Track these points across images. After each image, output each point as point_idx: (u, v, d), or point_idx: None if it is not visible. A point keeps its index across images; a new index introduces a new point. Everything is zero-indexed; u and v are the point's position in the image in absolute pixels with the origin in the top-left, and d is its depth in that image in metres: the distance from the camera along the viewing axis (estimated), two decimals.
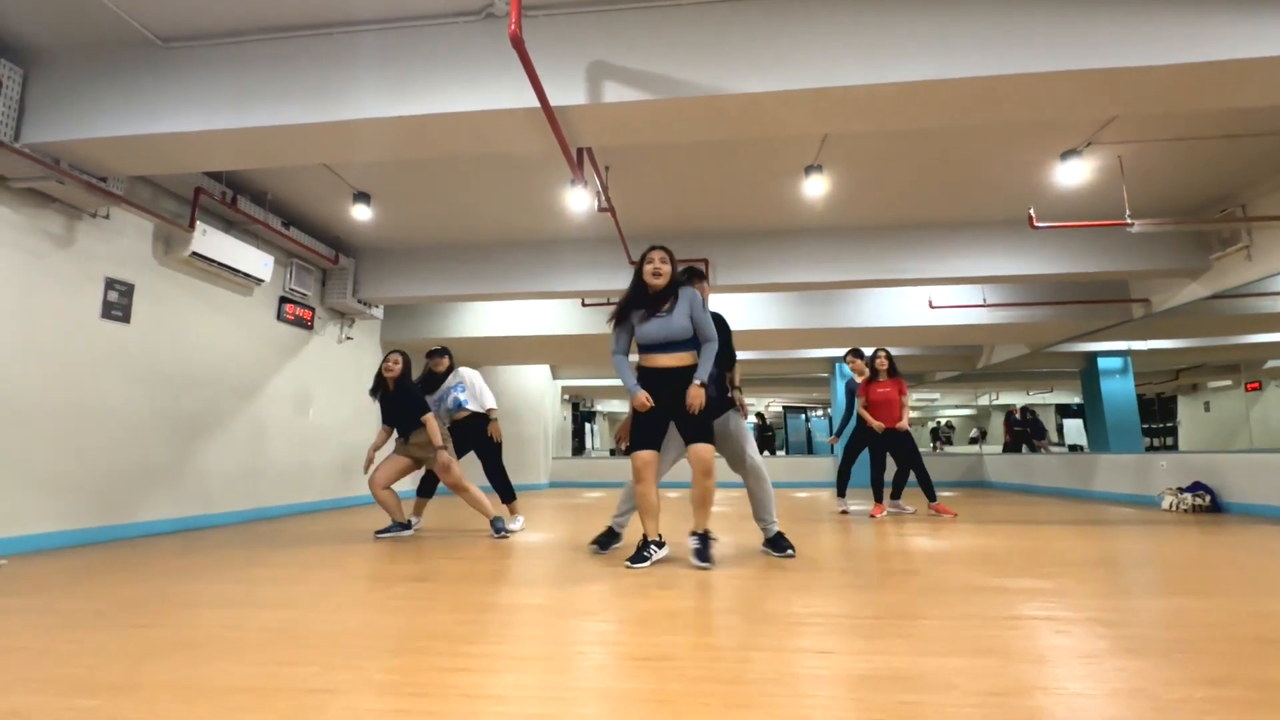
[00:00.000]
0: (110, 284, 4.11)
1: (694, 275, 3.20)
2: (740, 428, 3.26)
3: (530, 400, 10.13)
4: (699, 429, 2.79)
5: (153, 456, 4.37)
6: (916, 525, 4.37)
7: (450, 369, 4.34)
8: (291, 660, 1.55)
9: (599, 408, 16.92)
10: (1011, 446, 11.18)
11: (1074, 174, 4.53)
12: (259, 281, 5.22)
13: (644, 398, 2.83)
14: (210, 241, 4.65)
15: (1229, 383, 8.09)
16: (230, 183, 4.92)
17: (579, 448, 15.18)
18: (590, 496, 8.02)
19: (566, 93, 2.97)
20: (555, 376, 11.69)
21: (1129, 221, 4.65)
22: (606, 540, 3.27)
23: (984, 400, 12.85)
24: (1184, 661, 1.46)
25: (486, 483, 4.53)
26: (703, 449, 2.77)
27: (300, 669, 1.48)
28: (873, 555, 3.09)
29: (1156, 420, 9.05)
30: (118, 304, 4.15)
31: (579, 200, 4.58)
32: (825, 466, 10.37)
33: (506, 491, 4.36)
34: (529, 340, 7.69)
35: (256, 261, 5.10)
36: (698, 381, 2.77)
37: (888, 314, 7.19)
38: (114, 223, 4.16)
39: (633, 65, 2.96)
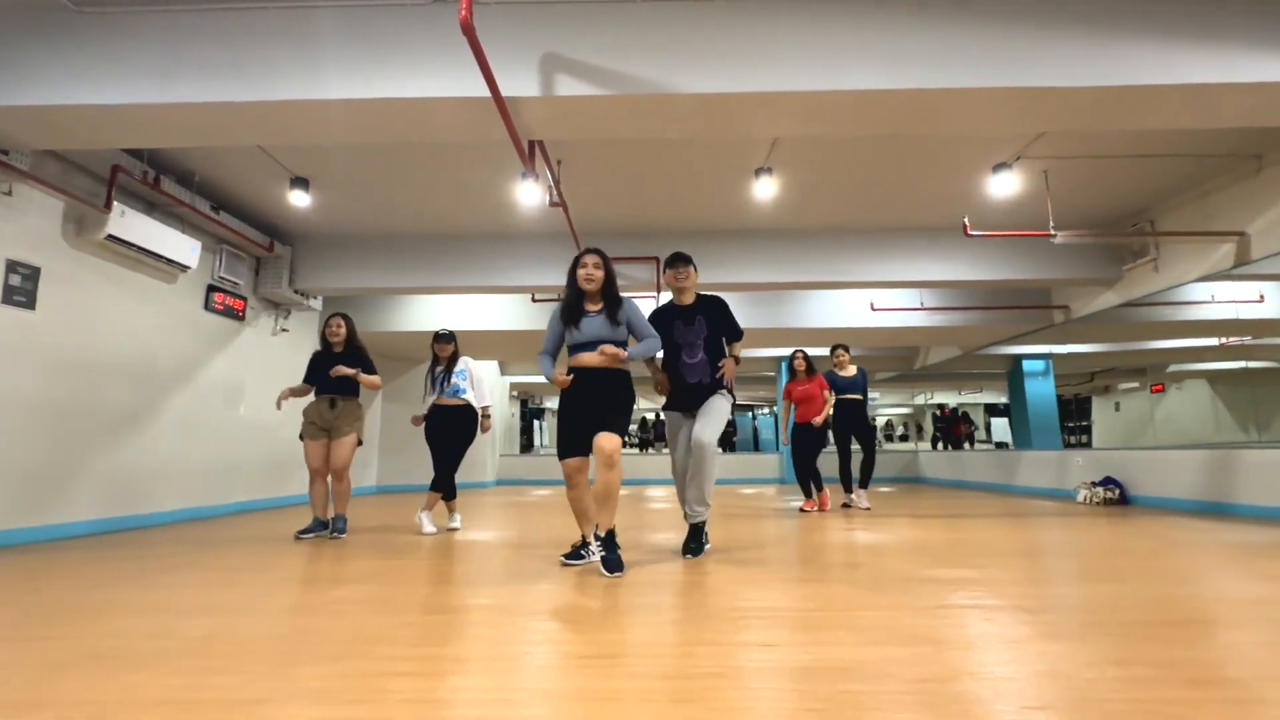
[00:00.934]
0: (12, 266, 3.77)
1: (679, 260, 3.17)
2: (717, 408, 3.04)
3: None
4: (614, 418, 2.69)
5: (66, 453, 4.05)
6: (857, 520, 4.53)
7: (455, 355, 4.37)
8: (218, 669, 1.46)
9: (548, 405, 16.75)
10: (940, 440, 11.77)
11: (1004, 186, 4.79)
12: (184, 268, 4.91)
13: (564, 377, 2.76)
14: (129, 224, 4.33)
15: (1137, 385, 8.76)
16: (153, 162, 4.60)
17: (527, 445, 14.99)
18: (538, 495, 7.94)
19: (518, 83, 2.92)
20: (504, 373, 11.50)
21: (1052, 233, 4.95)
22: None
23: (920, 399, 13.46)
24: (1096, 644, 1.57)
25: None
26: (607, 438, 2.63)
27: (227, 678, 1.40)
28: (814, 549, 3.18)
29: (1073, 419, 9.70)
30: (20, 288, 3.82)
31: (530, 194, 4.51)
32: (772, 463, 10.61)
33: (451, 489, 4.30)
34: (477, 335, 7.53)
35: (181, 247, 4.79)
36: (623, 354, 2.72)
37: (832, 315, 7.42)
38: (17, 200, 3.82)
39: (586, 59, 2.93)
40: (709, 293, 3.25)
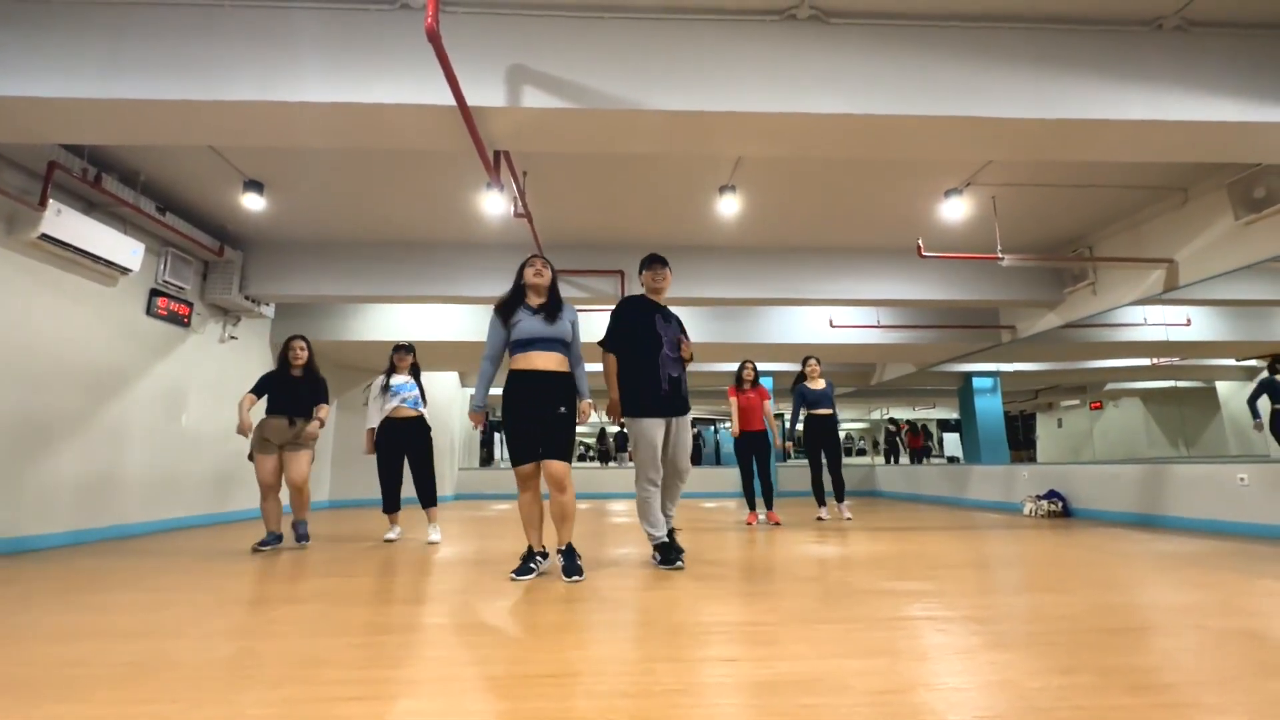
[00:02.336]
0: None
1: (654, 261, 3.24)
2: (689, 427, 3.24)
3: (437, 409, 9.67)
4: (559, 445, 2.78)
5: None
6: (815, 533, 4.59)
7: (414, 367, 4.50)
8: (149, 698, 1.37)
9: None
10: (889, 452, 12.11)
11: (956, 210, 5.00)
12: (125, 271, 4.67)
13: (481, 417, 2.92)
14: (66, 223, 4.11)
15: (1077, 402, 9.20)
16: (94, 159, 4.38)
17: (487, 458, 14.72)
18: (498, 509, 7.79)
19: (484, 93, 2.90)
20: (464, 384, 11.30)
21: (1000, 256, 5.18)
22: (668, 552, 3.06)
23: (876, 414, 13.81)
24: (1042, 653, 1.62)
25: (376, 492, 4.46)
26: (556, 465, 2.74)
27: (159, 707, 1.32)
28: (774, 562, 3.21)
29: (1019, 434, 10.10)
30: None
31: (495, 204, 4.48)
32: (732, 477, 10.68)
33: (430, 498, 4.40)
34: (437, 346, 7.39)
35: (123, 249, 4.56)
36: (586, 400, 2.92)
37: (793, 331, 7.56)
38: None
39: (553, 72, 2.94)
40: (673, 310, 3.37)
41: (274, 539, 3.84)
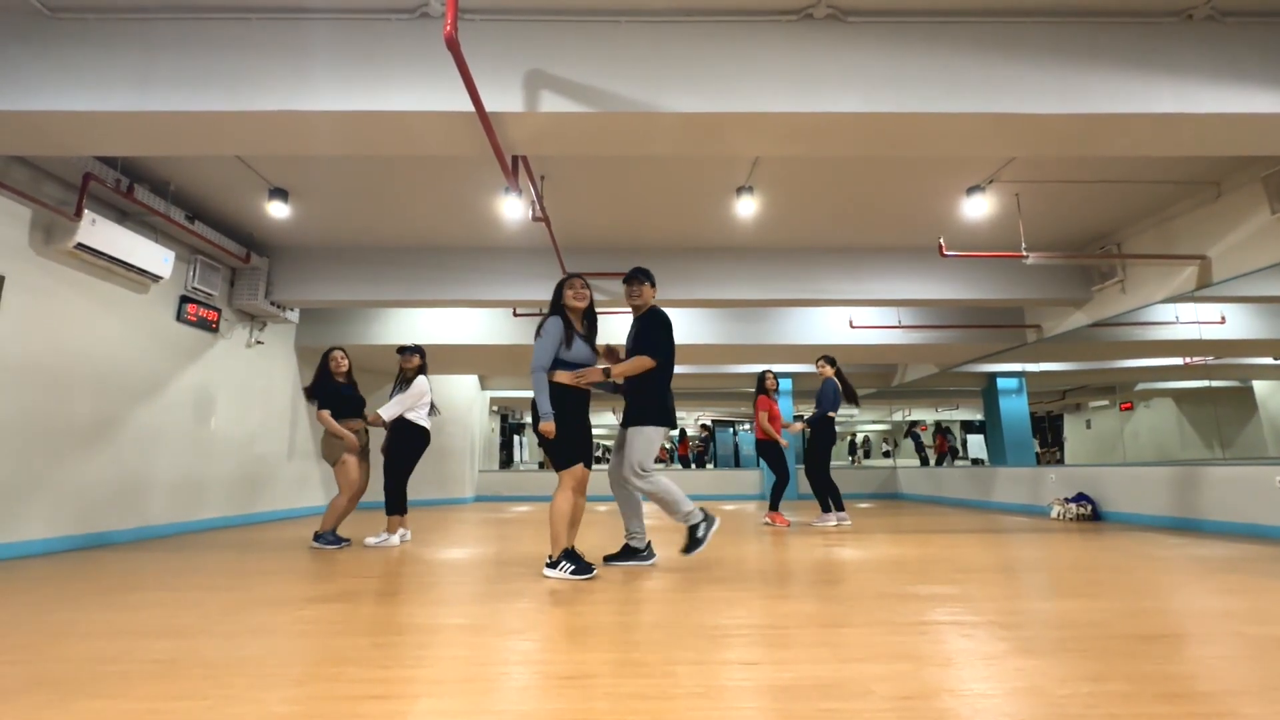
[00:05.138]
0: None
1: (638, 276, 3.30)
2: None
3: (457, 411, 9.81)
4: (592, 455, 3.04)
5: (26, 467, 3.90)
6: (836, 536, 4.54)
7: (421, 369, 4.46)
8: (179, 694, 1.41)
9: (528, 420, 16.65)
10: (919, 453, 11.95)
11: (978, 208, 4.91)
12: (156, 278, 4.80)
13: (553, 426, 2.86)
14: (100, 233, 4.24)
15: (1106, 403, 8.97)
16: (126, 170, 4.51)
17: (507, 460, 14.83)
18: (517, 510, 7.84)
19: (502, 99, 2.93)
20: (484, 387, 11.40)
21: (1025, 254, 5.08)
22: (623, 556, 3.24)
23: (898, 416, 13.62)
24: (1071, 659, 1.58)
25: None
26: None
27: (189, 704, 1.35)
28: (795, 566, 3.18)
29: (1047, 436, 9.88)
30: None
31: (513, 208, 4.52)
32: (753, 480, 10.62)
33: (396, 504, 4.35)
34: (457, 349, 7.47)
35: (154, 256, 4.69)
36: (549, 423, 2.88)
37: (812, 332, 7.50)
38: None
39: (570, 76, 2.96)
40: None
41: (338, 540, 4.10)
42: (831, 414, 5.37)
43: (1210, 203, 4.98)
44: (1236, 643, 1.72)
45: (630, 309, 3.36)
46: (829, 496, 5.42)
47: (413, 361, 4.39)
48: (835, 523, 5.31)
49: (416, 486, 9.23)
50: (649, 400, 3.10)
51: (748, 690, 1.40)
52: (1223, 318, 5.40)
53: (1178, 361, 6.37)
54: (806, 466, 5.44)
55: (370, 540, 4.19)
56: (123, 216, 4.66)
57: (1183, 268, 5.22)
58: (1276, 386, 5.68)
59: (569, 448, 2.91)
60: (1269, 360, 5.81)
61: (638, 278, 3.31)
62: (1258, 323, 5.43)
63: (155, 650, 1.75)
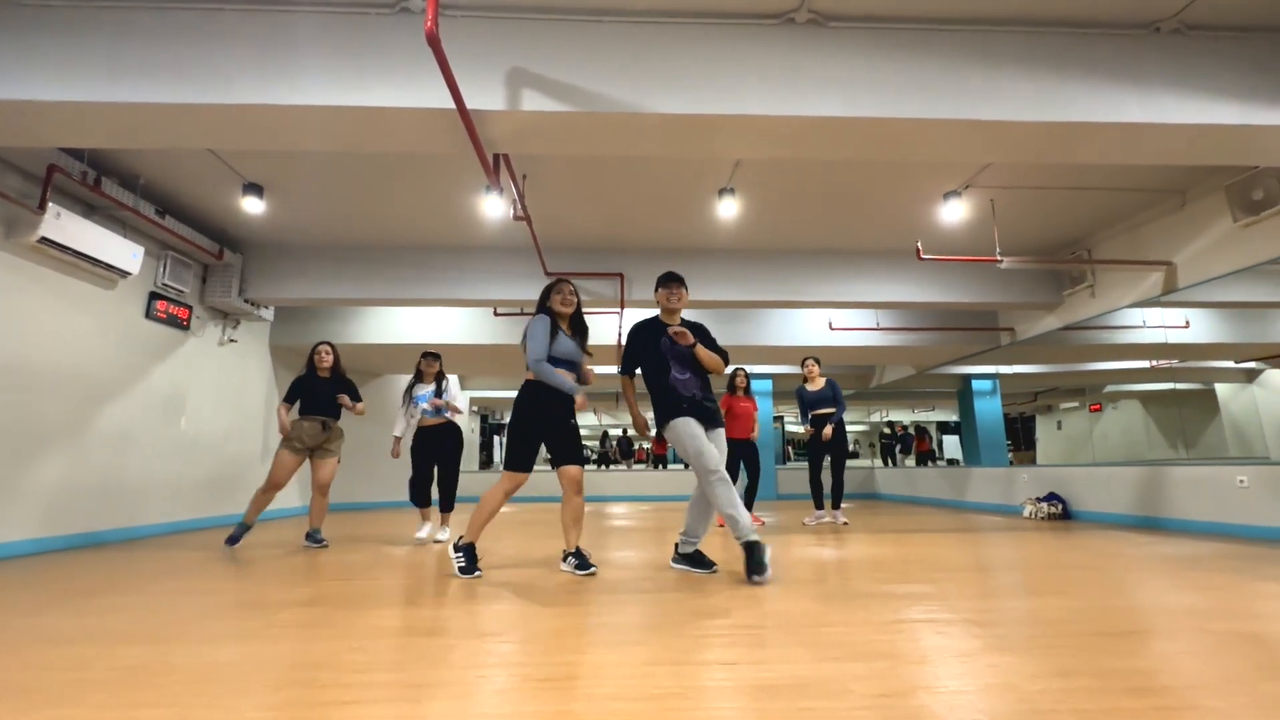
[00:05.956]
0: None
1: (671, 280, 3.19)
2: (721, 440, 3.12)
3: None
4: (578, 451, 3.03)
5: None
6: (815, 536, 4.59)
7: (440, 374, 4.60)
8: (148, 702, 1.37)
9: (508, 420, 16.56)
10: (885, 453, 12.13)
11: (954, 213, 5.00)
12: (125, 274, 4.67)
13: (585, 400, 3.07)
14: (65, 227, 4.11)
15: (1076, 404, 9.20)
16: (94, 162, 4.39)
17: (487, 461, 14.73)
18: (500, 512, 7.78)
19: (483, 96, 2.91)
20: (464, 387, 11.30)
21: (999, 258, 5.18)
22: (692, 560, 3.09)
23: (875, 417, 13.81)
24: (1042, 656, 1.62)
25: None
26: (577, 469, 2.97)
27: (158, 712, 1.32)
28: (775, 566, 3.20)
29: (1020, 437, 10.10)
30: None
31: (494, 207, 4.49)
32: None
33: (450, 500, 4.59)
34: (436, 348, 7.37)
35: (123, 252, 4.57)
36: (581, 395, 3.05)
37: (792, 333, 7.56)
38: None
39: (552, 75, 2.95)
40: (691, 319, 3.35)
41: (243, 530, 4.12)
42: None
43: (1176, 210, 5.13)
44: (1199, 638, 1.77)
45: (666, 312, 3.20)
46: (821, 494, 5.59)
47: (434, 367, 4.61)
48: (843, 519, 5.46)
49: (392, 489, 9.13)
50: (656, 406, 3.09)
51: (726, 690, 1.41)
52: (1187, 322, 5.57)
53: (1144, 364, 6.56)
54: (831, 464, 5.50)
55: (441, 536, 4.41)
56: (89, 210, 4.53)
57: (1149, 273, 5.37)
58: (1238, 389, 5.87)
59: (513, 450, 2.98)
60: (1231, 364, 6.01)
61: (679, 280, 3.19)
62: (1220, 327, 5.61)
63: (125, 656, 1.71)
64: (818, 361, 5.62)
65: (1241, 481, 4.27)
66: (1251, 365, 5.80)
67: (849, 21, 3.08)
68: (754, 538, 2.76)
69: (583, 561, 2.97)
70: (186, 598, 2.52)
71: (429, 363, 4.55)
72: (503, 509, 3.13)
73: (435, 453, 4.44)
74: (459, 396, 4.64)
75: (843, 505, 5.67)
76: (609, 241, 5.90)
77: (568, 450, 2.99)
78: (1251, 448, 5.37)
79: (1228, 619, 1.98)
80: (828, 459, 5.50)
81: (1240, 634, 1.80)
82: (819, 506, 5.61)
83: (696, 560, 3.07)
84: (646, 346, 3.12)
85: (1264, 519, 4.10)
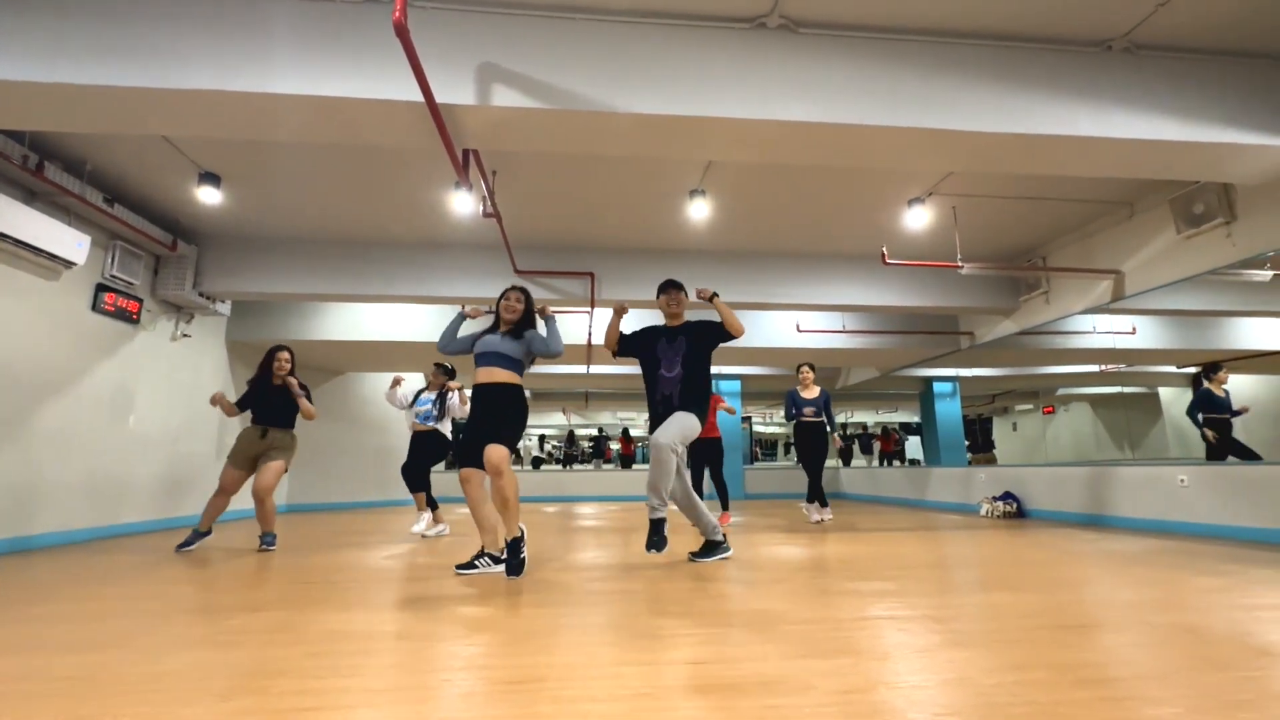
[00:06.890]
0: None
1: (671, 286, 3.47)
2: (678, 418, 3.20)
3: (402, 411, 9.51)
4: (503, 430, 2.95)
5: None
6: (779, 535, 4.65)
7: (444, 389, 5.11)
8: (92, 714, 1.31)
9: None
10: (841, 455, 12.45)
11: (918, 219, 5.13)
12: (69, 264, 4.45)
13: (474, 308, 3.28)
14: (3, 213, 3.89)
15: (1031, 407, 9.53)
16: (35, 145, 4.16)
17: (451, 462, 14.49)
18: (462, 512, 7.67)
19: (453, 90, 2.86)
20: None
21: (960, 264, 5.33)
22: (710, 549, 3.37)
23: (840, 418, 14.06)
24: (998, 650, 1.67)
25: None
26: (494, 449, 2.87)
27: None
28: (744, 565, 3.23)
29: (979, 439, 10.41)
30: None
31: (463, 203, 4.42)
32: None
33: (416, 487, 5.02)
34: (403, 346, 7.24)
35: (66, 241, 4.34)
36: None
37: (761, 335, 7.65)
38: None
39: (524, 71, 2.92)
40: (701, 319, 3.47)
41: (197, 536, 4.01)
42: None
43: (1125, 221, 5.36)
44: (1144, 631, 1.85)
45: (668, 316, 3.48)
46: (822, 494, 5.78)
47: (440, 380, 5.11)
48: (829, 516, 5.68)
49: (360, 489, 8.92)
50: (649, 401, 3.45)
51: (694, 689, 1.41)
52: (1134, 328, 5.82)
53: (1094, 368, 6.83)
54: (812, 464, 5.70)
55: (416, 528, 4.88)
56: (31, 196, 4.30)
57: (1100, 281, 5.60)
58: (1179, 393, 6.16)
59: (460, 448, 3.09)
60: (1173, 368, 6.31)
61: (678, 286, 3.48)
62: (1164, 334, 5.89)
63: (66, 666, 1.62)
64: (812, 368, 5.75)
65: (1182, 481, 4.48)
66: (1192, 370, 6.10)
67: (820, 28, 3.13)
68: (660, 516, 3.12)
69: (513, 561, 2.88)
70: (133, 604, 2.41)
71: (436, 374, 5.12)
72: (488, 507, 3.09)
73: (419, 452, 5.04)
74: (458, 409, 5.10)
75: (798, 504, 5.81)
76: (580, 240, 5.87)
77: (494, 432, 2.94)
78: (1192, 449, 5.64)
79: (1169, 612, 2.08)
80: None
81: (1180, 626, 1.89)
82: (824, 504, 5.72)
83: (713, 548, 3.36)
84: (645, 344, 3.42)
85: (1202, 516, 4.31)
